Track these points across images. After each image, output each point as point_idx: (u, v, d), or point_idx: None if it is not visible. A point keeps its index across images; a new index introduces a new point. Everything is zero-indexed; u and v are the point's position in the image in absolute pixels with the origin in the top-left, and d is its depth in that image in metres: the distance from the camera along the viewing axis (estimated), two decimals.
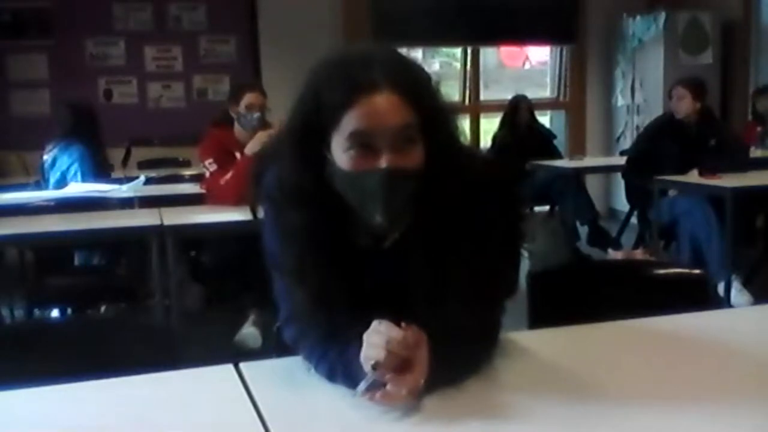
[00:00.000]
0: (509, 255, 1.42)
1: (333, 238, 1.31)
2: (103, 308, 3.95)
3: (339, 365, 1.23)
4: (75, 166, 4.53)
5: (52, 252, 4.11)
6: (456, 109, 1.42)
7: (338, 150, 1.26)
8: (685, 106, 4.79)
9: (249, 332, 3.82)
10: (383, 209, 1.26)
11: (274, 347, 1.55)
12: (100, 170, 4.59)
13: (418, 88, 1.27)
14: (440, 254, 1.30)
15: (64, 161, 4.58)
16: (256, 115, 3.74)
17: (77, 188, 4.40)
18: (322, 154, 1.28)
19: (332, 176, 1.28)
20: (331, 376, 1.25)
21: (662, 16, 7.05)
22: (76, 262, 4.26)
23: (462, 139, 1.38)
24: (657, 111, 6.39)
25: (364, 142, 1.24)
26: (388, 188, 1.24)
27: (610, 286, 1.86)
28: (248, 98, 3.79)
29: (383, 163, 1.23)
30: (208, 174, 3.79)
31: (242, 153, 3.72)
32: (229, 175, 3.65)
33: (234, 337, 3.84)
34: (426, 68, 1.35)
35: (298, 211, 1.31)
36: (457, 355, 1.21)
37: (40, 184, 4.74)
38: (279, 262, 1.34)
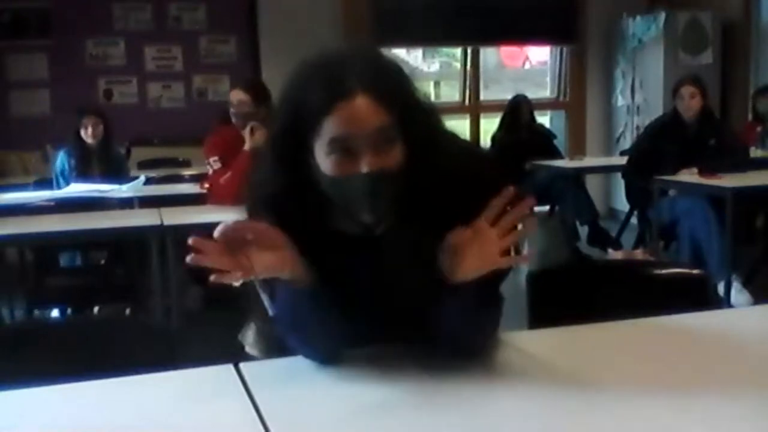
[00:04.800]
0: None
1: (318, 235, 1.33)
2: (102, 308, 3.95)
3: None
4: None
5: (51, 252, 4.13)
6: (435, 107, 1.43)
7: (321, 155, 1.29)
8: (696, 103, 4.77)
9: (251, 341, 3.76)
10: (369, 210, 1.30)
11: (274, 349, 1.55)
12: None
13: (393, 88, 1.30)
14: (431, 240, 1.30)
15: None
16: (242, 111, 3.70)
17: (77, 188, 4.41)
18: (304, 158, 1.31)
19: (317, 181, 1.31)
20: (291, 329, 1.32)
21: (662, 16, 7.05)
22: (62, 263, 4.29)
23: (447, 132, 1.40)
24: (657, 111, 6.39)
25: (344, 147, 1.26)
26: (371, 192, 1.27)
27: (610, 286, 1.86)
28: (232, 96, 3.78)
29: (364, 166, 1.25)
30: (211, 171, 3.77)
31: None
32: (228, 174, 3.64)
33: (238, 335, 3.82)
34: (413, 67, 1.36)
35: (271, 218, 1.31)
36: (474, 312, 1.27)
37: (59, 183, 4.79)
38: None
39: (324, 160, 1.28)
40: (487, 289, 1.30)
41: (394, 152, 1.28)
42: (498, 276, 1.34)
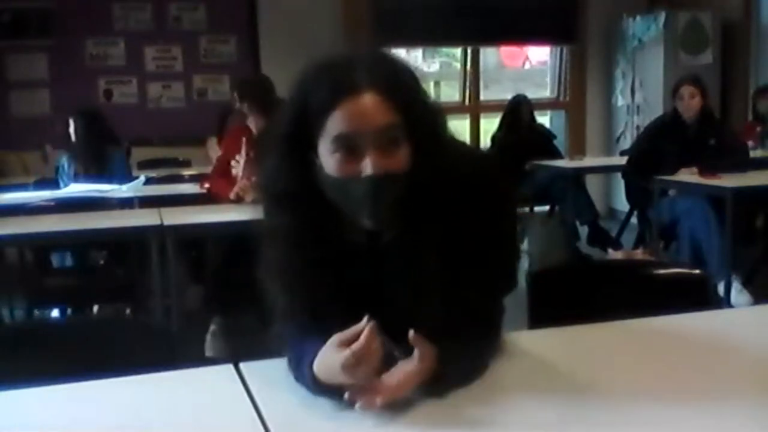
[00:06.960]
0: (505, 249, 1.41)
1: (323, 238, 1.31)
2: (102, 308, 3.95)
3: (300, 377, 1.24)
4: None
5: (51, 252, 4.13)
6: (443, 109, 1.40)
7: (325, 154, 1.26)
8: (696, 104, 4.77)
9: (208, 342, 3.75)
10: (371, 213, 1.26)
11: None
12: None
13: (401, 88, 1.26)
14: (436, 251, 1.29)
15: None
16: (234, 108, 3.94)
17: (77, 188, 4.41)
18: (310, 158, 1.28)
19: (321, 181, 1.28)
20: (297, 380, 1.27)
21: (662, 16, 7.05)
22: (54, 264, 4.28)
23: (451, 137, 1.37)
24: (657, 111, 6.39)
25: (348, 145, 1.23)
26: (374, 194, 1.23)
27: (610, 286, 1.86)
28: None
29: (368, 166, 1.22)
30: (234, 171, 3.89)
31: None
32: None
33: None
34: (415, 67, 1.34)
35: (281, 215, 1.31)
36: (464, 352, 1.22)
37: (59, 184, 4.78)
38: (264, 264, 1.34)
39: (328, 159, 1.25)
40: (483, 321, 1.30)
41: (399, 154, 1.25)
42: (499, 291, 1.34)
